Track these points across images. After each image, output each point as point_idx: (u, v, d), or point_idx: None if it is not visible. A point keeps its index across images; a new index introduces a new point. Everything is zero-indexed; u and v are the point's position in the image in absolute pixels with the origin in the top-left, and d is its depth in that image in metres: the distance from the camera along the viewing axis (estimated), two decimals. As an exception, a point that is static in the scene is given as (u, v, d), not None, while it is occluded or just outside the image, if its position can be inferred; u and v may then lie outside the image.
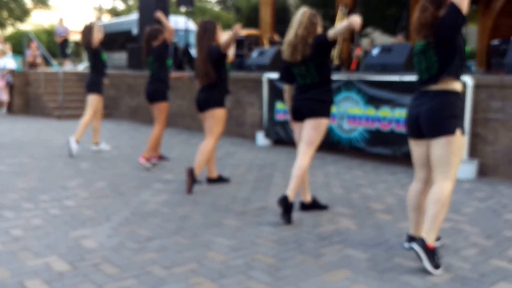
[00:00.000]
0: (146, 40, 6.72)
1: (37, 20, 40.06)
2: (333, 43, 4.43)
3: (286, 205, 4.39)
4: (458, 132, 3.45)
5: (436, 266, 3.40)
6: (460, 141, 3.47)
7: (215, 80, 5.50)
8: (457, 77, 3.48)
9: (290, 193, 4.40)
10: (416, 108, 3.56)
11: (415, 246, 3.40)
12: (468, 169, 6.29)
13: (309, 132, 4.51)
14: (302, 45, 4.40)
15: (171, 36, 6.78)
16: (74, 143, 7.62)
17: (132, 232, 4.23)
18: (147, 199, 5.28)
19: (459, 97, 3.54)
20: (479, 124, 6.39)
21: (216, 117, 5.57)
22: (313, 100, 4.50)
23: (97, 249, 3.81)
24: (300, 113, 4.60)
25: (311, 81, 4.50)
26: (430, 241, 3.42)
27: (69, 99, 13.68)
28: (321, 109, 4.50)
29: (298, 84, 4.64)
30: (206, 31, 5.48)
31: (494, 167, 6.33)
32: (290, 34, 4.46)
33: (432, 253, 3.40)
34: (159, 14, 6.79)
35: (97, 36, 7.73)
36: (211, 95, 5.53)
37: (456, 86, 3.49)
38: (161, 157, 7.25)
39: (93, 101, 7.92)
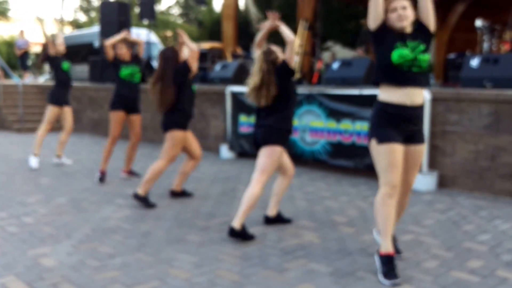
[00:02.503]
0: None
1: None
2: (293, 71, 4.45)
3: (236, 235, 4.32)
4: (373, 141, 3.58)
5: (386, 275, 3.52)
6: (375, 149, 3.57)
7: (177, 103, 5.43)
8: (382, 85, 3.59)
9: (237, 223, 4.30)
10: None
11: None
12: (428, 181, 6.42)
13: (262, 160, 4.43)
14: (265, 90, 4.34)
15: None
16: (34, 157, 7.52)
17: (93, 249, 4.14)
18: (109, 215, 5.19)
19: (383, 106, 3.59)
20: (438, 136, 6.54)
21: (173, 139, 5.46)
22: (268, 127, 4.43)
23: (57, 268, 3.72)
24: (256, 140, 4.56)
25: (266, 104, 4.43)
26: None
27: (29, 112, 13.39)
28: (275, 137, 4.42)
29: (257, 109, 4.58)
30: (168, 60, 5.42)
31: (453, 179, 6.47)
32: (254, 79, 4.39)
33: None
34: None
35: (59, 46, 7.71)
36: (172, 117, 5.47)
37: (381, 95, 3.61)
38: (131, 173, 7.15)
39: (48, 112, 7.94)
